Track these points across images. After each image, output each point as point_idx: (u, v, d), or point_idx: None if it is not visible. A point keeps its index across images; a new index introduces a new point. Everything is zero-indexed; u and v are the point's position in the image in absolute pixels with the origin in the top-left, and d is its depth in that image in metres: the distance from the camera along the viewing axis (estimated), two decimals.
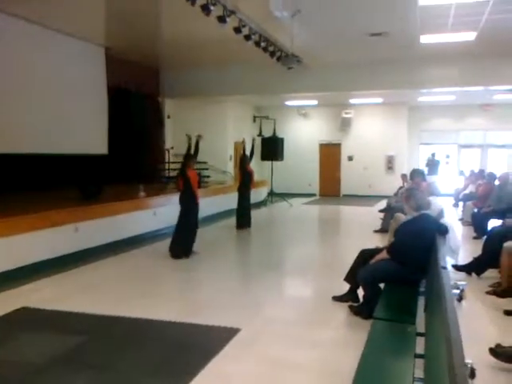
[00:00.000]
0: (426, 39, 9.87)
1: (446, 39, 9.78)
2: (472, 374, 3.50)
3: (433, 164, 17.08)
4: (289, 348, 4.15)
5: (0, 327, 4.67)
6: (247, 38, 8.79)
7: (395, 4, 8.06)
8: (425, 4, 7.80)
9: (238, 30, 8.40)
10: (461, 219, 11.56)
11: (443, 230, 4.77)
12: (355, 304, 4.98)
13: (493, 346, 3.75)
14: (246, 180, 11.02)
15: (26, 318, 4.93)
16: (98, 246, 7.83)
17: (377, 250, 5.02)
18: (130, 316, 4.87)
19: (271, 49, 9.86)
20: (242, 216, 10.93)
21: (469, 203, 11.14)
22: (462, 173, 15.89)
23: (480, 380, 3.42)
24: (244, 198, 11.00)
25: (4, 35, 8.35)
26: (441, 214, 6.20)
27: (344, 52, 11.29)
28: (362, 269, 4.75)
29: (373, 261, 4.74)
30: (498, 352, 3.65)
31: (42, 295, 5.65)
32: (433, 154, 17.38)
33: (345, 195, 18.56)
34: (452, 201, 14.51)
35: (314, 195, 18.67)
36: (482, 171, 13.61)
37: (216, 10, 7.50)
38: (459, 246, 5.74)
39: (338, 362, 3.82)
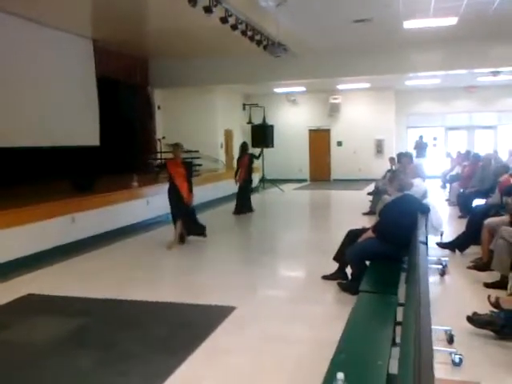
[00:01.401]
0: (409, 25, 10.02)
1: (429, 24, 9.96)
2: (450, 340, 3.82)
3: (421, 147, 17.38)
4: (281, 323, 4.42)
5: (7, 312, 4.91)
6: (234, 27, 8.93)
7: None
8: None
9: (224, 19, 8.54)
10: (447, 200, 11.90)
11: (425, 210, 5.05)
12: (344, 281, 5.26)
13: (470, 314, 4.04)
14: (250, 165, 11.45)
15: (31, 303, 5.18)
16: (95, 235, 8.05)
17: (363, 230, 5.28)
18: (129, 299, 5.13)
19: (258, 38, 10.01)
20: (245, 201, 11.34)
21: (455, 184, 11.46)
22: (448, 154, 16.19)
23: (458, 344, 3.75)
24: (249, 183, 11.49)
25: None
26: (425, 194, 6.47)
27: (330, 39, 11.43)
28: (349, 248, 5.02)
29: (360, 240, 5.02)
30: (474, 319, 3.95)
31: (45, 283, 5.89)
32: (420, 137, 17.67)
33: (335, 180, 18.87)
34: (440, 182, 14.86)
35: (304, 180, 18.95)
36: (468, 153, 13.92)
37: (202, 0, 7.67)
38: (441, 224, 6.01)
39: (327, 334, 4.07)
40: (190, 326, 4.36)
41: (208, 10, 7.87)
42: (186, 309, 4.82)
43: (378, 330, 2.99)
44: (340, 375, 2.07)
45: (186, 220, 7.80)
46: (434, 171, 16.68)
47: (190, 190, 7.73)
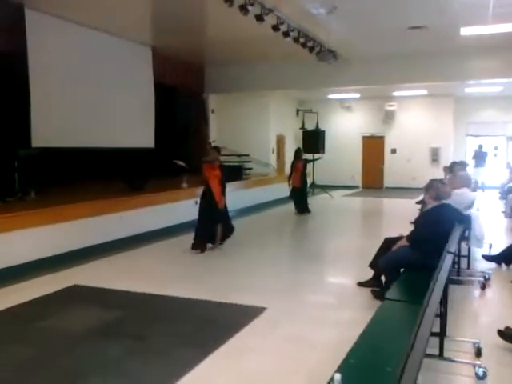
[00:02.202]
0: (466, 31, 9.73)
1: (487, 31, 9.61)
2: (478, 353, 3.74)
3: (480, 156, 16.77)
4: (309, 327, 4.47)
5: (54, 300, 5.28)
6: (285, 34, 9.06)
7: None
8: None
9: (276, 27, 8.70)
10: (503, 212, 11.44)
11: (463, 220, 4.93)
12: (377, 289, 5.22)
13: (502, 328, 3.93)
14: (304, 170, 12.07)
15: (76, 293, 5.54)
16: (141, 233, 8.38)
17: (399, 238, 5.22)
18: (165, 294, 5.36)
19: (310, 44, 10.09)
20: (303, 203, 12.01)
21: (511, 195, 11.01)
22: (508, 165, 15.52)
23: (486, 358, 3.67)
24: (305, 187, 12.18)
25: (61, 39, 9.04)
26: (470, 205, 6.30)
27: (384, 45, 11.30)
28: (383, 256, 4.99)
29: (393, 248, 4.98)
30: (505, 333, 3.84)
31: (91, 275, 6.25)
32: (480, 146, 17.05)
33: (388, 187, 18.54)
34: (498, 194, 14.29)
35: (356, 187, 18.76)
36: None
37: (254, 9, 7.85)
38: (483, 236, 5.83)
39: (353, 340, 4.09)
40: (218, 324, 4.51)
41: (260, 18, 8.06)
42: (217, 307, 4.97)
43: (395, 338, 2.98)
44: (337, 376, 2.10)
45: (223, 224, 7.77)
46: (494, 182, 16.07)
47: (223, 194, 7.66)
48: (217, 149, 7.88)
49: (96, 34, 9.74)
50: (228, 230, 7.92)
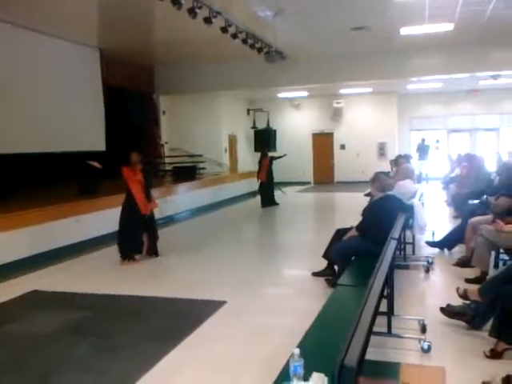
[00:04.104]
0: (405, 31, 10.28)
1: (426, 30, 10.18)
2: (423, 329, 4.09)
3: (423, 149, 17.57)
4: (268, 315, 4.71)
5: (14, 306, 5.28)
6: (234, 36, 9.28)
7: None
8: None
9: (224, 29, 8.91)
10: (446, 201, 12.11)
11: (406, 209, 5.31)
12: (331, 278, 5.53)
13: (444, 306, 4.30)
14: (270, 166, 12.99)
15: (37, 298, 5.54)
16: (98, 236, 8.39)
17: (350, 229, 5.55)
18: (127, 294, 5.47)
19: (258, 45, 10.35)
20: (270, 196, 13.05)
21: (452, 185, 11.66)
22: (449, 157, 16.34)
23: (430, 333, 4.01)
24: (271, 181, 13.09)
25: (3, 42, 8.87)
26: (413, 195, 6.72)
27: (329, 45, 11.72)
28: (334, 245, 5.30)
29: (344, 238, 5.30)
30: (446, 310, 4.21)
31: (51, 280, 6.25)
32: (423, 140, 17.85)
33: (338, 182, 19.12)
34: (440, 184, 15.07)
35: (308, 183, 19.22)
36: (467, 154, 14.07)
37: (202, 12, 8.02)
38: (426, 223, 6.27)
39: (309, 324, 4.35)
40: (181, 318, 4.67)
41: (208, 20, 8.25)
42: (179, 303, 5.13)
43: (347, 318, 3.24)
44: (296, 350, 2.34)
45: (150, 233, 7.28)
46: (437, 173, 16.91)
47: (149, 199, 7.17)
48: (136, 152, 7.21)
49: (41, 37, 9.63)
50: (155, 240, 7.41)
